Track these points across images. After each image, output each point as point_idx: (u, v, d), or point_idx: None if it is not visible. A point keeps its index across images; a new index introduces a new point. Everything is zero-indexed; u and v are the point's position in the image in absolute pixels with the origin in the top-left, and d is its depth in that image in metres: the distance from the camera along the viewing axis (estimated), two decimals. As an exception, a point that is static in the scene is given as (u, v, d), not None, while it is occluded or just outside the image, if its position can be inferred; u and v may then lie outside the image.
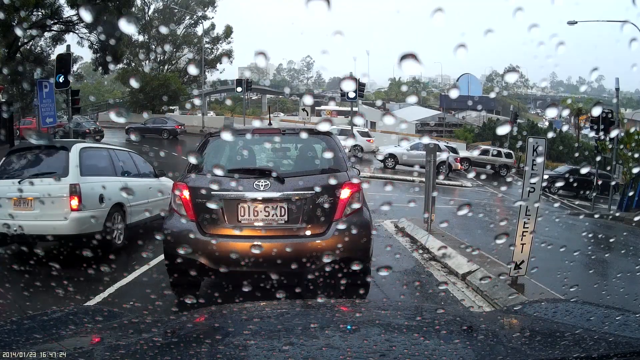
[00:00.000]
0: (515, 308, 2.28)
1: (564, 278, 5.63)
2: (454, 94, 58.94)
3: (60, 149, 6.54)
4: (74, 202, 6.16)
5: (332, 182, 4.43)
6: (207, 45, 47.92)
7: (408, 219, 10.28)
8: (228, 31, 47.74)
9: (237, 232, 4.30)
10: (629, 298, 4.12)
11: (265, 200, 4.31)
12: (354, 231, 4.21)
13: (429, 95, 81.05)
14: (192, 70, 44.90)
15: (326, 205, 4.31)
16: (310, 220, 4.32)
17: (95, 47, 30.13)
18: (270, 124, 5.92)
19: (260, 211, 4.34)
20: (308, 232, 4.30)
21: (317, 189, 4.33)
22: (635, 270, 7.00)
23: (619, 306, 2.17)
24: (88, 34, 29.49)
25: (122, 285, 5.58)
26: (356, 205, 4.38)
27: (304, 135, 5.02)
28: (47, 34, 31.98)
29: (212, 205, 4.26)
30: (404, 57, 1.53)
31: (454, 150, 26.99)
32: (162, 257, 5.15)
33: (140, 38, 46.75)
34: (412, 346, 1.61)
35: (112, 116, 2.41)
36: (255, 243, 4.10)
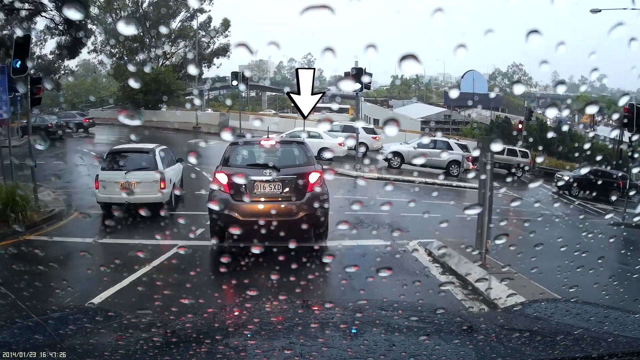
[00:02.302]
0: (514, 308, 2.28)
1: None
2: (453, 93, 57.74)
3: (148, 152, 10.57)
4: (162, 184, 10.01)
5: (306, 171, 7.62)
6: (203, 39, 45.80)
7: (442, 241, 7.89)
8: (226, 24, 45.41)
9: (253, 199, 7.37)
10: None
11: (268, 181, 7.42)
12: (318, 198, 7.35)
13: (431, 93, 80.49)
14: (192, 70, 42.17)
15: (302, 183, 7.44)
16: (294, 191, 7.44)
17: (60, 28, 27.19)
18: (268, 136, 8.46)
19: (266, 187, 7.45)
20: (293, 198, 7.41)
21: (298, 175, 7.52)
22: None
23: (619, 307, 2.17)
24: (57, 16, 26.77)
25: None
26: (318, 185, 7.53)
27: (288, 144, 8.92)
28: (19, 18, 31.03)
29: (239, 183, 7.36)
30: (404, 57, 1.54)
31: (465, 149, 23.72)
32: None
33: (134, 32, 47.12)
34: (412, 346, 1.61)
35: (122, 119, 2.17)
36: (264, 204, 7.35)
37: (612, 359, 1.44)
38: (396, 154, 22.80)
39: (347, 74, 19.81)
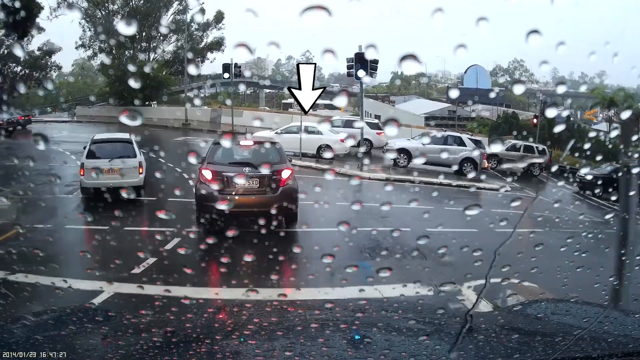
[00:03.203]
0: (515, 308, 2.28)
1: None
2: (453, 93, 56.71)
3: (128, 142, 11.55)
4: (140, 170, 11.20)
5: (279, 168, 8.66)
6: (196, 33, 43.53)
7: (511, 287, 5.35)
8: (219, 16, 42.84)
9: (235, 191, 8.43)
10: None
11: (248, 177, 8.44)
12: (289, 192, 8.47)
13: (431, 90, 79.63)
14: (192, 70, 40.43)
15: (277, 179, 8.52)
16: (269, 186, 8.47)
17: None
18: (245, 137, 10.20)
19: (246, 182, 8.50)
20: (268, 191, 8.46)
21: (273, 171, 8.54)
22: None
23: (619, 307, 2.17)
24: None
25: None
26: (291, 180, 8.69)
27: (263, 145, 10.08)
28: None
29: (222, 179, 8.39)
30: (404, 57, 1.54)
31: (479, 145, 20.61)
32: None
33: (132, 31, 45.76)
34: (412, 346, 1.61)
35: (124, 119, 2.08)
36: (244, 196, 8.39)
37: (612, 359, 1.44)
38: (403, 151, 19.82)
39: (350, 73, 18.38)
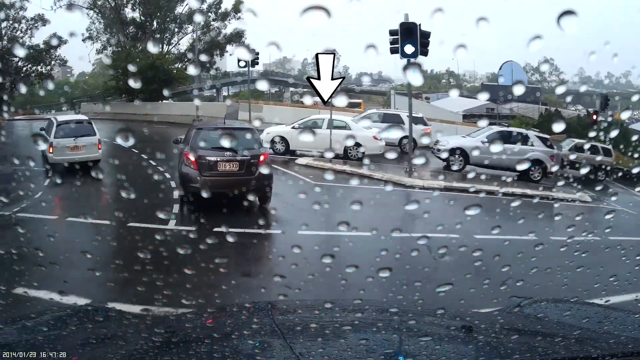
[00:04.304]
0: (515, 308, 2.28)
1: None
2: (482, 96, 52.05)
3: (87, 122, 13.64)
4: (99, 146, 12.98)
5: (256, 153, 9.51)
6: (213, 24, 39.57)
7: None
8: (237, 5, 39.12)
9: (217, 173, 9.10)
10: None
11: (228, 160, 9.17)
12: (265, 174, 8.84)
13: (461, 89, 77.49)
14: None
15: (254, 162, 9.22)
16: (248, 169, 9.14)
17: None
18: (224, 123, 11.04)
19: (227, 165, 9.19)
20: (247, 174, 9.10)
21: (251, 155, 9.29)
22: None
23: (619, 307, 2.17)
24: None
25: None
26: (267, 163, 9.65)
27: (242, 130, 10.69)
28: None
29: (204, 162, 9.10)
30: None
31: (547, 143, 16.84)
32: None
33: (135, 15, 38.92)
34: (412, 346, 1.62)
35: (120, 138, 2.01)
36: (224, 178, 9.04)
37: (612, 359, 1.44)
38: (457, 151, 15.98)
39: (394, 49, 14.04)
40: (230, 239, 3.30)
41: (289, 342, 1.63)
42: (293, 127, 16.57)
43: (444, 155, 16.03)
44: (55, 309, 2.23)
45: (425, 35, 13.88)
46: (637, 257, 5.12)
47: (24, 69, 36.83)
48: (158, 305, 4.53)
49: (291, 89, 62.22)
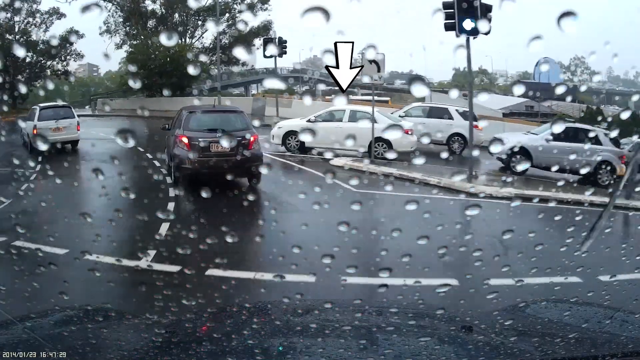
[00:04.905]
0: (515, 308, 2.28)
1: None
2: (518, 90, 50.42)
3: (67, 106, 16.03)
4: (77, 127, 14.84)
5: (246, 134, 9.81)
6: (239, 16, 37.30)
7: None
8: None
9: (209, 154, 9.51)
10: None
11: (220, 141, 9.54)
12: (255, 154, 9.82)
13: (493, 87, 75.54)
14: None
15: (245, 143, 9.69)
16: (239, 149, 9.42)
17: None
18: (214, 106, 11.60)
19: (219, 146, 9.49)
20: (237, 154, 9.38)
21: (241, 137, 9.68)
22: None
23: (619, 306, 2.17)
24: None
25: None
26: (256, 144, 10.02)
27: (231, 113, 11.10)
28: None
29: (197, 144, 9.44)
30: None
31: (616, 143, 14.75)
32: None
33: (155, 7, 37.12)
34: (412, 346, 1.62)
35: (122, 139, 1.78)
36: (217, 158, 9.42)
37: (612, 359, 1.44)
38: (519, 152, 13.66)
39: (450, 25, 11.77)
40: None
41: (289, 342, 1.63)
42: (309, 121, 14.71)
43: (503, 154, 13.54)
44: (55, 309, 2.22)
45: (487, 9, 11.65)
46: None
47: (38, 64, 35.56)
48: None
49: (321, 85, 59.09)
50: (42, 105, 15.18)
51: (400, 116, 16.86)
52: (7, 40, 31.64)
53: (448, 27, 12.06)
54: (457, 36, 11.77)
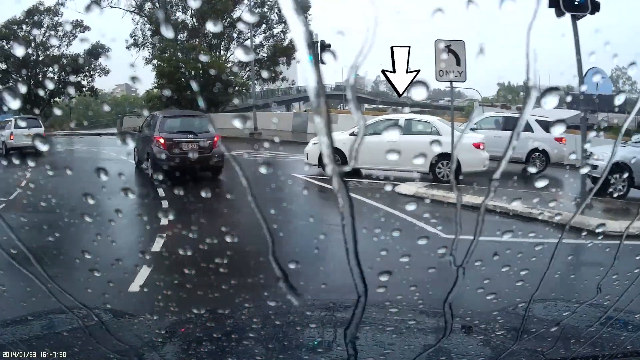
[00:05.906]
0: (515, 308, 2.28)
1: None
2: (552, 101, 48.95)
3: (34, 118, 20.44)
4: (44, 134, 19.93)
5: (211, 136, 11.83)
6: (276, 29, 34.76)
7: None
8: (305, 4, 32.24)
9: (181, 152, 11.47)
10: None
11: (191, 141, 11.90)
12: (219, 152, 11.57)
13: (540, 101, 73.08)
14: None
15: (210, 143, 11.89)
16: (205, 149, 11.82)
17: None
18: (182, 111, 14.87)
19: (190, 146, 11.77)
20: (205, 152, 11.71)
21: (207, 138, 11.93)
22: None
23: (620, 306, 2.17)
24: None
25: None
26: (219, 143, 11.56)
27: (199, 118, 12.66)
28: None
29: (172, 143, 11.65)
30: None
31: None
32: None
33: (185, 17, 35.28)
34: (412, 346, 1.61)
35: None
36: (188, 156, 11.30)
37: (612, 359, 1.44)
38: (617, 169, 10.39)
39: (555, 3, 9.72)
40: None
41: (289, 342, 1.63)
42: (352, 134, 11.36)
43: (599, 174, 9.51)
44: (55, 309, 2.22)
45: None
46: None
47: (61, 80, 34.40)
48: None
49: (365, 104, 56.40)
50: (17, 117, 20.23)
51: (471, 129, 14.15)
52: (27, 54, 31.32)
53: (552, 3, 9.87)
54: (562, 14, 9.78)
